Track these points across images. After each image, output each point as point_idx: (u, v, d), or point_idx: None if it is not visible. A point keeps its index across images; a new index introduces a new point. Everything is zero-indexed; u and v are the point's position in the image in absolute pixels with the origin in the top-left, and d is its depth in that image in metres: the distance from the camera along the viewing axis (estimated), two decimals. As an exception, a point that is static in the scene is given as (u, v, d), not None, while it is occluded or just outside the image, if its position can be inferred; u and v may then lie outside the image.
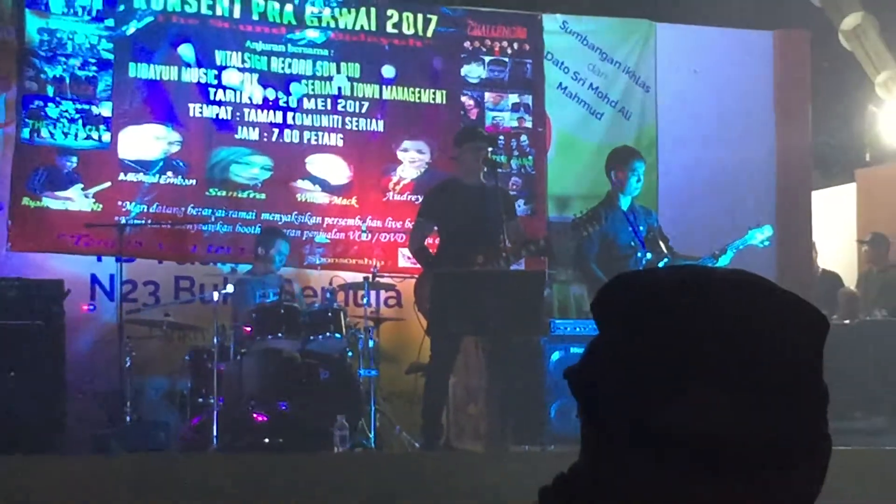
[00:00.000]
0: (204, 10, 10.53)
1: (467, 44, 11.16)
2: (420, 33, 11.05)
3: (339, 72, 10.79)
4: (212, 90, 10.49)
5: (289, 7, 10.73)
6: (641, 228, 9.04)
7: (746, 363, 1.32)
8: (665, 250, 9.06)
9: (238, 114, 10.55)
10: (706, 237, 9.42)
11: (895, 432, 9.31)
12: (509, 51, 11.26)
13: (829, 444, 1.37)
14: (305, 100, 10.70)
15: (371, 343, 9.03)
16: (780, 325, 1.36)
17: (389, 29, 10.97)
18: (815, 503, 1.37)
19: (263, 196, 10.53)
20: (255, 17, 10.66)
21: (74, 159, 10.13)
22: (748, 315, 1.35)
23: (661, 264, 8.77)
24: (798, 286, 9.85)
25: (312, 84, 10.73)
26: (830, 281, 11.86)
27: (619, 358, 1.37)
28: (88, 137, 10.17)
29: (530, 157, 11.25)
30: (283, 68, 10.68)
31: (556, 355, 8.96)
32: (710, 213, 10.24)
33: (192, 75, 10.47)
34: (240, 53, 10.58)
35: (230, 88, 10.53)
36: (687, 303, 1.36)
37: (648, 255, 8.91)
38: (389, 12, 11.07)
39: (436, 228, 9.02)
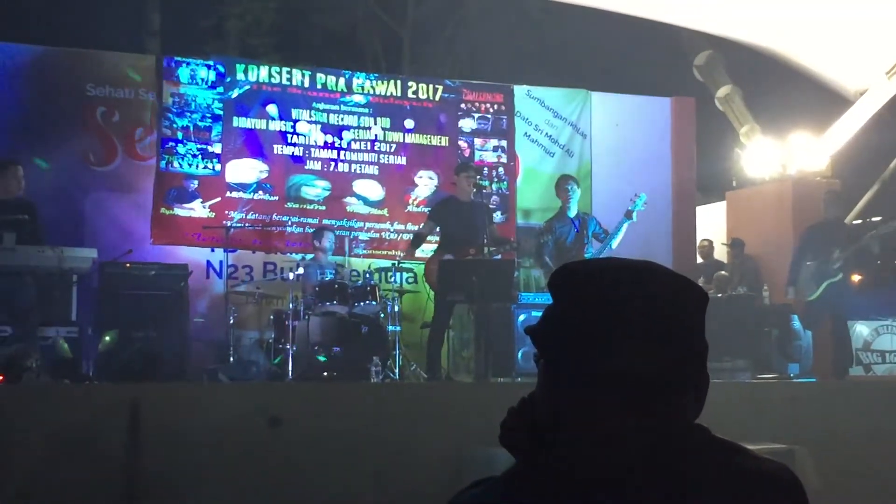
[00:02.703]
0: (284, 81, 10.56)
1: (463, 105, 11.16)
2: (430, 98, 11.04)
3: (375, 124, 10.79)
4: (289, 136, 10.50)
5: (341, 80, 10.75)
6: (589, 232, 9.00)
7: (654, 323, 1.31)
8: (601, 235, 9.05)
9: (307, 152, 10.55)
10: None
11: (750, 370, 9.30)
12: (491, 110, 11.25)
13: (707, 379, 1.37)
14: (353, 143, 10.70)
15: (396, 308, 9.02)
16: (676, 298, 1.35)
17: (410, 95, 10.97)
18: (697, 419, 1.37)
19: (324, 208, 10.54)
20: (319, 87, 10.67)
21: (196, 182, 10.13)
22: (654, 291, 1.34)
23: (604, 252, 8.77)
24: (686, 270, 9.85)
25: (357, 132, 10.73)
26: (717, 266, 11.88)
27: (564, 319, 1.36)
28: (205, 167, 10.18)
29: (505, 182, 11.24)
30: (337, 121, 10.68)
31: (522, 317, 8.96)
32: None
33: (276, 125, 10.47)
34: (308, 111, 10.58)
35: (301, 135, 10.54)
36: (611, 282, 1.36)
37: (591, 251, 8.88)
38: (410, 83, 11.10)
39: (438, 229, 9.00)
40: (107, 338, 7.78)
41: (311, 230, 10.18)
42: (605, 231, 9.02)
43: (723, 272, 11.47)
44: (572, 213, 9.05)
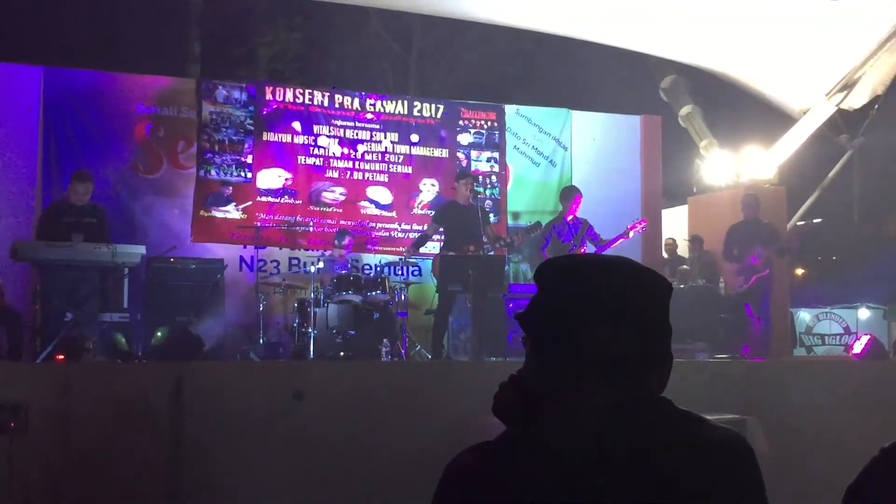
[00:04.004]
0: (306, 101, 10.55)
1: (461, 122, 11.14)
2: (433, 115, 11.03)
3: (385, 138, 10.79)
4: (311, 148, 10.49)
5: (356, 100, 10.75)
6: (584, 234, 9.06)
7: (625, 310, 1.32)
8: (598, 241, 9.06)
9: (326, 162, 10.54)
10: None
11: (708, 351, 9.30)
12: (485, 126, 11.24)
13: (671, 358, 1.38)
14: (366, 154, 10.69)
15: (403, 297, 9.03)
16: (645, 288, 1.36)
17: (415, 113, 10.96)
18: (663, 392, 1.37)
19: (341, 210, 10.53)
20: (337, 106, 10.66)
21: (230, 188, 10.13)
22: (626, 282, 1.35)
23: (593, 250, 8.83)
24: (653, 264, 9.82)
25: (370, 145, 10.72)
26: (680, 261, 11.87)
27: (548, 306, 1.37)
28: (238, 175, 10.17)
29: (497, 189, 11.23)
30: (353, 135, 10.67)
31: (511, 305, 8.97)
32: (599, 224, 10.11)
33: (300, 139, 10.46)
34: (327, 127, 10.57)
35: (322, 147, 10.53)
36: (588, 274, 1.36)
37: (587, 248, 8.95)
38: (415, 103, 11.10)
39: (442, 230, 9.01)
40: (158, 333, 7.75)
41: (330, 230, 10.19)
42: (600, 237, 9.07)
43: (684, 266, 11.47)
44: (569, 217, 9.13)
